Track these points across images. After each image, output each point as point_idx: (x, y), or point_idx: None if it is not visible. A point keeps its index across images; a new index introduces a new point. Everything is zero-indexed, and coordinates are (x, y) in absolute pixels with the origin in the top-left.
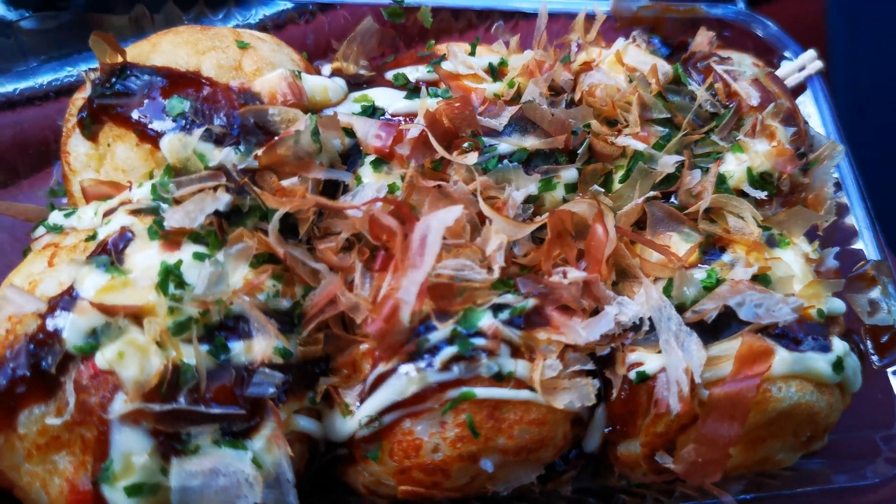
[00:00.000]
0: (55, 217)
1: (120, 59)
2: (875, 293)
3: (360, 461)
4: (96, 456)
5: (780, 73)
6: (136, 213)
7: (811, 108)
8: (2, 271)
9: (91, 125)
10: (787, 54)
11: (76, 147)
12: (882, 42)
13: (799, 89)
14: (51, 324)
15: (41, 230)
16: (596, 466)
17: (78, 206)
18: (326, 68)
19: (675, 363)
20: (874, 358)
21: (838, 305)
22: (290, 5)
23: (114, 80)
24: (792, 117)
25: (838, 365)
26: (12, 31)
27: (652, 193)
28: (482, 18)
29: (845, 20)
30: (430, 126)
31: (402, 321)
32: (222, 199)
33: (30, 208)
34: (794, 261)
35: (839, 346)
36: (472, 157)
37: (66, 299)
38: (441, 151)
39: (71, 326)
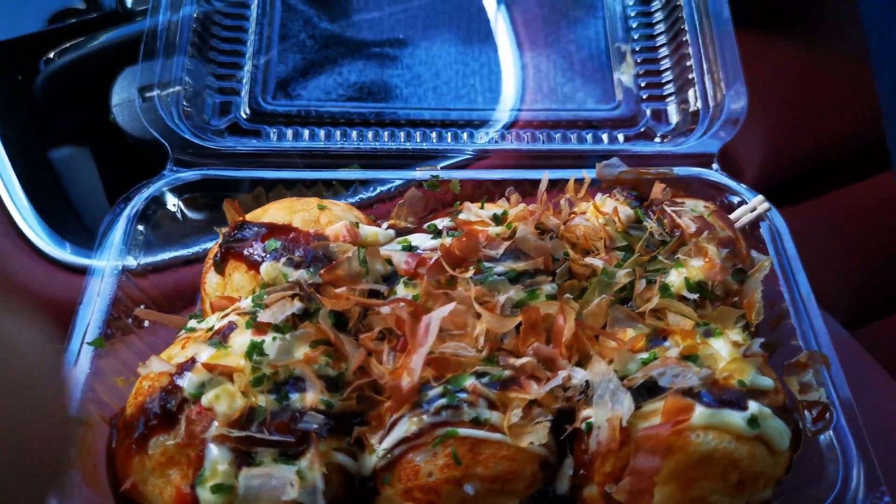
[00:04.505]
0: (191, 323)
1: (239, 218)
2: (808, 376)
3: (381, 487)
4: (195, 468)
5: (733, 215)
6: (241, 314)
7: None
8: None
9: (220, 263)
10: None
11: (211, 279)
12: None
13: (754, 227)
14: (177, 379)
15: (182, 333)
16: None
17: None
18: (384, 224)
19: (602, 413)
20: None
21: (764, 381)
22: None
23: (235, 232)
24: (731, 242)
25: (753, 421)
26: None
27: (611, 299)
28: (498, 186)
29: None
30: (444, 255)
31: (410, 383)
32: (296, 305)
33: (177, 318)
34: (722, 346)
35: (755, 407)
36: (470, 273)
37: (188, 364)
38: (450, 271)
39: (188, 381)
